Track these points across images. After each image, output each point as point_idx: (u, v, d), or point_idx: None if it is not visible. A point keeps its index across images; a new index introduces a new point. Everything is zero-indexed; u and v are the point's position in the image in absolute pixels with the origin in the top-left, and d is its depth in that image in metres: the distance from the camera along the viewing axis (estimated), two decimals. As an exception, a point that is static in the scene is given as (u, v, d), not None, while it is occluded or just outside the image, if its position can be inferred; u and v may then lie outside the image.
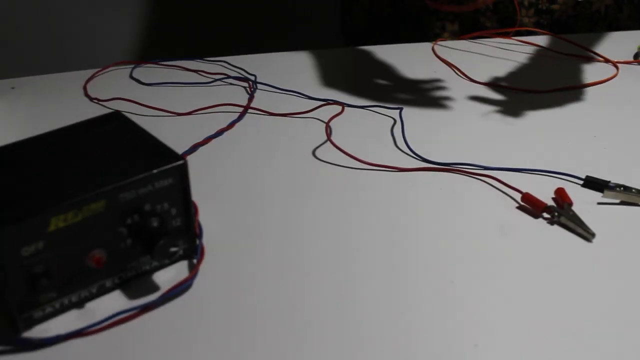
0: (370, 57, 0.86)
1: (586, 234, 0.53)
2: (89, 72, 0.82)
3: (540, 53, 0.87)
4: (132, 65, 0.83)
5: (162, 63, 0.84)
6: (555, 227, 0.54)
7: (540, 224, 0.55)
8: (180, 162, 0.47)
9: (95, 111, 0.72)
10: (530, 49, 0.88)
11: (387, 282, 0.49)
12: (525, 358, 0.42)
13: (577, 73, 0.82)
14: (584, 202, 0.57)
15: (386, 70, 0.82)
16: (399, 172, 0.62)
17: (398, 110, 0.72)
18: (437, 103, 0.74)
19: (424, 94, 0.76)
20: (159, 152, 0.48)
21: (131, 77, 0.81)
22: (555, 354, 0.43)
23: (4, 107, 0.74)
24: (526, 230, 0.54)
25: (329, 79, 0.80)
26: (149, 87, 0.78)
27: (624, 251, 0.52)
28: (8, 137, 0.61)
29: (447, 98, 0.75)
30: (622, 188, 0.57)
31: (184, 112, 0.72)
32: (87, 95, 0.76)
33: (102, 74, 0.82)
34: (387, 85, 0.79)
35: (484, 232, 0.54)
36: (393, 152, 0.65)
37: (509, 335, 0.44)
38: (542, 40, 0.90)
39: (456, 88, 0.78)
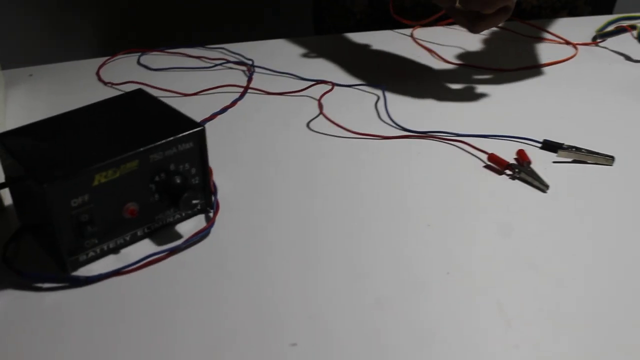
0: (354, 43, 0.95)
1: (541, 186, 0.62)
2: (100, 60, 0.90)
3: (508, 37, 0.97)
4: (139, 53, 0.92)
5: (167, 50, 0.92)
6: (517, 181, 0.64)
7: (503, 179, 0.64)
8: (200, 128, 0.56)
9: (111, 93, 0.80)
10: (499, 34, 0.98)
11: (387, 224, 0.58)
12: (489, 291, 0.52)
13: (541, 54, 0.91)
14: (541, 161, 0.67)
15: (370, 54, 0.91)
16: (383, 140, 0.71)
17: (381, 89, 0.81)
18: (416, 81, 0.83)
19: (405, 74, 0.85)
20: (181, 121, 0.57)
21: (139, 63, 0.89)
22: (510, 284, 0.52)
23: (25, 93, 0.82)
24: (492, 183, 0.63)
25: (319, 62, 0.89)
26: (157, 72, 0.86)
27: (573, 200, 0.61)
28: (34, 118, 0.69)
29: (424, 77, 0.85)
30: (573, 149, 0.66)
31: (191, 92, 0.80)
32: (100, 80, 0.85)
33: (112, 61, 0.90)
34: (372, 67, 0.88)
35: (456, 186, 0.63)
36: (378, 123, 0.74)
37: (478, 267, 0.53)
38: (509, 25, 1.00)
39: (433, 68, 0.87)
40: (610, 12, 1.12)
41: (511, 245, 0.56)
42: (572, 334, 0.47)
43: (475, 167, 0.66)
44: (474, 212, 0.60)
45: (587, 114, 0.76)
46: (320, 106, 0.77)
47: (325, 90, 0.81)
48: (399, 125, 0.73)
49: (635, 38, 0.90)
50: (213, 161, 0.66)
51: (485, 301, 0.50)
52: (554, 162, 0.67)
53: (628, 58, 0.89)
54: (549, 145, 0.68)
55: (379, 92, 0.81)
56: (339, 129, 0.73)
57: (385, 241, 0.56)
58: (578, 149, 0.67)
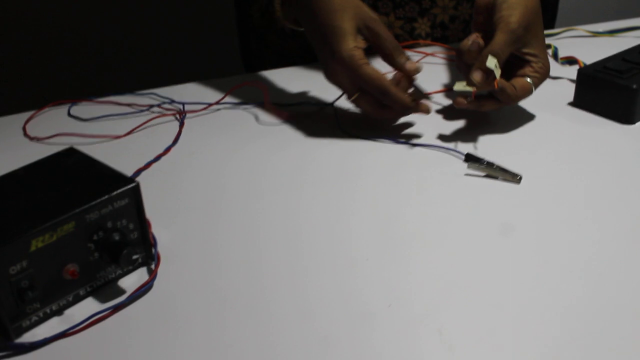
0: (288, 74, 0.97)
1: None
2: (26, 115, 0.89)
3: (435, 61, 1.00)
4: (69, 104, 0.91)
5: (96, 100, 0.92)
6: (447, 209, 0.67)
7: (435, 206, 0.67)
8: (134, 184, 0.56)
9: (37, 150, 0.79)
10: (428, 59, 1.01)
11: (329, 260, 0.59)
12: (430, 318, 0.54)
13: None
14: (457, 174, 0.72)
15: (308, 80, 0.93)
16: (320, 174, 0.73)
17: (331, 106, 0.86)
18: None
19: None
20: (114, 178, 0.57)
21: (70, 115, 0.88)
22: (448, 309, 0.54)
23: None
24: (424, 209, 0.66)
25: (250, 98, 0.90)
26: (88, 123, 0.86)
27: (495, 218, 0.64)
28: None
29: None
30: (484, 163, 0.71)
31: (124, 133, 0.81)
32: (26, 135, 0.84)
33: (40, 114, 0.89)
34: (313, 90, 0.90)
35: (392, 216, 0.65)
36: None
37: (417, 296, 0.55)
38: (436, 50, 1.03)
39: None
40: (552, 27, 1.17)
41: (446, 272, 0.58)
42: (512, 353, 0.49)
43: (407, 192, 0.69)
44: (408, 240, 0.62)
45: (511, 132, 0.80)
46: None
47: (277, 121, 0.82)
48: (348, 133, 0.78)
49: (551, 56, 0.94)
50: (149, 212, 0.66)
51: (427, 330, 0.52)
52: (466, 174, 0.72)
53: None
54: (471, 158, 0.73)
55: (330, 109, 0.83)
56: (277, 167, 0.74)
57: (329, 277, 0.58)
58: (490, 165, 0.71)
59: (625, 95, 0.80)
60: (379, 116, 0.80)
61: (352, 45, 0.75)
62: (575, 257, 0.60)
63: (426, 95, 0.77)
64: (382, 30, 0.77)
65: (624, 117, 0.81)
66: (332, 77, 0.79)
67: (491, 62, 0.74)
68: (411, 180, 0.71)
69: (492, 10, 0.78)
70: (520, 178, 0.70)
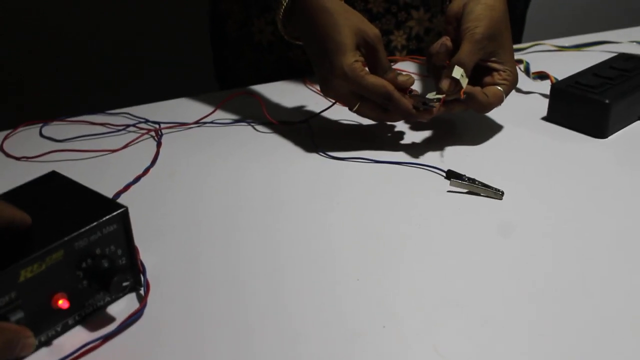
0: (255, 93, 0.97)
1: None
2: (1, 135, 0.87)
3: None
4: (41, 124, 0.89)
5: (68, 119, 0.90)
6: (433, 225, 0.67)
7: (418, 226, 0.67)
8: (122, 209, 0.56)
9: (22, 168, 0.78)
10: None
11: (316, 280, 0.59)
12: (424, 336, 0.54)
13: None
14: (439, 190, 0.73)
15: (276, 100, 0.93)
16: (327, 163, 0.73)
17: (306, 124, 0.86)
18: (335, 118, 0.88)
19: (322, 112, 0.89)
20: (101, 203, 0.56)
21: (41, 135, 0.87)
22: (442, 325, 0.55)
23: None
24: (408, 228, 0.66)
25: (227, 116, 0.89)
26: (61, 144, 0.84)
27: (484, 234, 0.65)
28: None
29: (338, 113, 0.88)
30: (466, 180, 0.72)
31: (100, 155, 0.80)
32: (7, 155, 0.82)
33: (14, 134, 0.87)
34: (286, 111, 0.89)
35: (378, 234, 0.65)
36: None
37: (409, 314, 0.56)
38: (410, 65, 1.04)
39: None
40: (519, 41, 1.19)
41: (437, 288, 0.58)
42: (507, 374, 0.50)
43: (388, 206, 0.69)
44: (397, 259, 0.62)
45: (486, 146, 0.82)
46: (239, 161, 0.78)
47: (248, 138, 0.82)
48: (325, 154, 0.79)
49: (523, 71, 0.96)
50: (138, 237, 0.65)
51: (422, 347, 0.52)
52: (448, 191, 0.73)
53: (518, 90, 0.95)
54: (453, 175, 0.74)
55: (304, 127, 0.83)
56: (259, 186, 0.74)
57: (320, 299, 0.58)
58: (472, 181, 0.72)
59: (598, 109, 0.82)
60: (382, 120, 0.82)
61: (352, 60, 0.76)
62: (561, 269, 0.61)
63: (425, 102, 0.79)
64: (380, 48, 0.78)
65: (597, 131, 0.83)
66: (331, 91, 0.80)
67: (457, 72, 0.76)
68: (393, 198, 0.72)
69: (460, 21, 0.80)
70: (503, 193, 0.71)
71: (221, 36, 1.13)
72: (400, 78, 0.79)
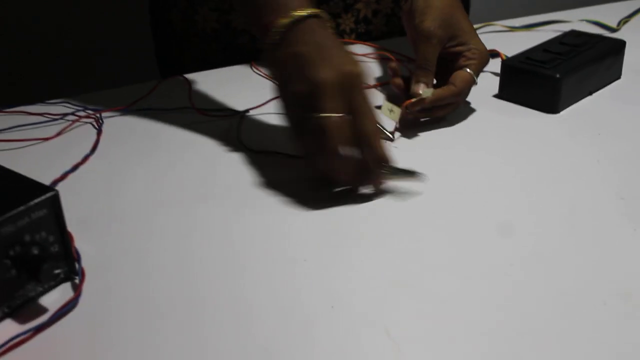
0: (201, 80, 0.94)
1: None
2: None
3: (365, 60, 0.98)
4: (-27, 116, 0.85)
5: (4, 110, 0.86)
6: (375, 204, 0.65)
7: (360, 206, 0.65)
8: (52, 193, 0.52)
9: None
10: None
11: (265, 264, 0.56)
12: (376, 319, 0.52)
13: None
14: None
15: (220, 88, 0.90)
16: (233, 174, 0.70)
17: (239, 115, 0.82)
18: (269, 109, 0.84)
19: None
20: (30, 187, 0.53)
21: (-26, 127, 0.82)
22: (394, 307, 0.52)
23: None
24: (358, 208, 0.64)
25: (170, 103, 0.86)
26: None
27: (434, 210, 0.63)
28: None
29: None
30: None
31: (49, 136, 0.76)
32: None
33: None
34: (229, 97, 0.87)
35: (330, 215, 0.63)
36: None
37: (360, 297, 0.53)
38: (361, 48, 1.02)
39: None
40: None
41: (386, 270, 0.56)
42: (463, 349, 0.48)
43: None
44: (350, 240, 0.60)
45: (438, 125, 0.79)
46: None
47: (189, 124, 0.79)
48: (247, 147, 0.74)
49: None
50: (70, 225, 0.62)
51: (374, 331, 0.50)
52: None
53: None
54: None
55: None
56: (203, 173, 0.71)
57: (267, 281, 0.55)
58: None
59: (549, 84, 0.81)
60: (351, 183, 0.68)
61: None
62: (515, 248, 0.59)
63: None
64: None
65: (549, 106, 0.82)
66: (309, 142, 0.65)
67: (426, 92, 0.75)
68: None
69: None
70: (420, 176, 0.66)
71: (164, 27, 1.09)
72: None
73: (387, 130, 0.75)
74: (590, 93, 0.87)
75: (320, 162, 0.64)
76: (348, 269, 0.57)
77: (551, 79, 0.80)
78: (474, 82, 0.78)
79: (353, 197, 0.66)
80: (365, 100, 0.64)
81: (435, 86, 0.78)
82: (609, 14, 1.14)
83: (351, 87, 0.63)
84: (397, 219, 0.63)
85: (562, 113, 0.82)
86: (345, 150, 0.62)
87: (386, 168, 0.65)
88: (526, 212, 0.64)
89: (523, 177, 0.70)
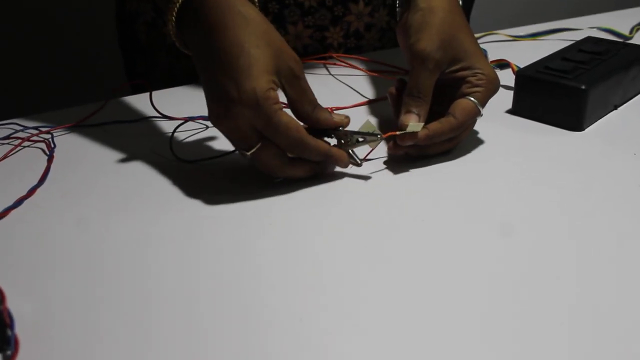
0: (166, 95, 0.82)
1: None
2: None
3: (350, 72, 0.88)
4: None
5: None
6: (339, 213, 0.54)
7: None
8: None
9: None
10: (343, 70, 0.88)
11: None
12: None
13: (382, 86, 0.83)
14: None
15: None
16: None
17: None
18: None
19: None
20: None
21: None
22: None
23: None
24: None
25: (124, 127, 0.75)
26: None
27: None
28: None
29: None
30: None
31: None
32: None
33: None
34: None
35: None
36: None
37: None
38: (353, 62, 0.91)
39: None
40: None
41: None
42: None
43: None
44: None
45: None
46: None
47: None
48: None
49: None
50: (3, 278, 0.49)
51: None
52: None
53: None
54: None
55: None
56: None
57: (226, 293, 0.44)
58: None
59: (573, 97, 0.70)
60: (283, 174, 0.62)
61: (268, 86, 0.56)
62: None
63: (362, 138, 0.63)
64: (305, 78, 0.60)
65: (572, 122, 0.71)
66: (226, 122, 0.58)
67: (414, 127, 0.63)
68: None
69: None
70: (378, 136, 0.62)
71: (131, 39, 0.97)
72: (336, 118, 0.62)
73: (356, 155, 0.64)
74: (616, 107, 0.76)
75: (247, 143, 0.59)
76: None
77: (576, 90, 0.70)
78: (478, 114, 0.65)
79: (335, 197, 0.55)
80: (270, 122, 0.57)
81: (433, 118, 0.65)
82: (619, 21, 1.05)
83: (256, 117, 0.57)
84: (396, 243, 0.52)
85: (587, 130, 0.72)
86: (286, 172, 0.61)
87: (343, 138, 0.62)
88: (569, 254, 0.53)
89: (552, 199, 0.59)
